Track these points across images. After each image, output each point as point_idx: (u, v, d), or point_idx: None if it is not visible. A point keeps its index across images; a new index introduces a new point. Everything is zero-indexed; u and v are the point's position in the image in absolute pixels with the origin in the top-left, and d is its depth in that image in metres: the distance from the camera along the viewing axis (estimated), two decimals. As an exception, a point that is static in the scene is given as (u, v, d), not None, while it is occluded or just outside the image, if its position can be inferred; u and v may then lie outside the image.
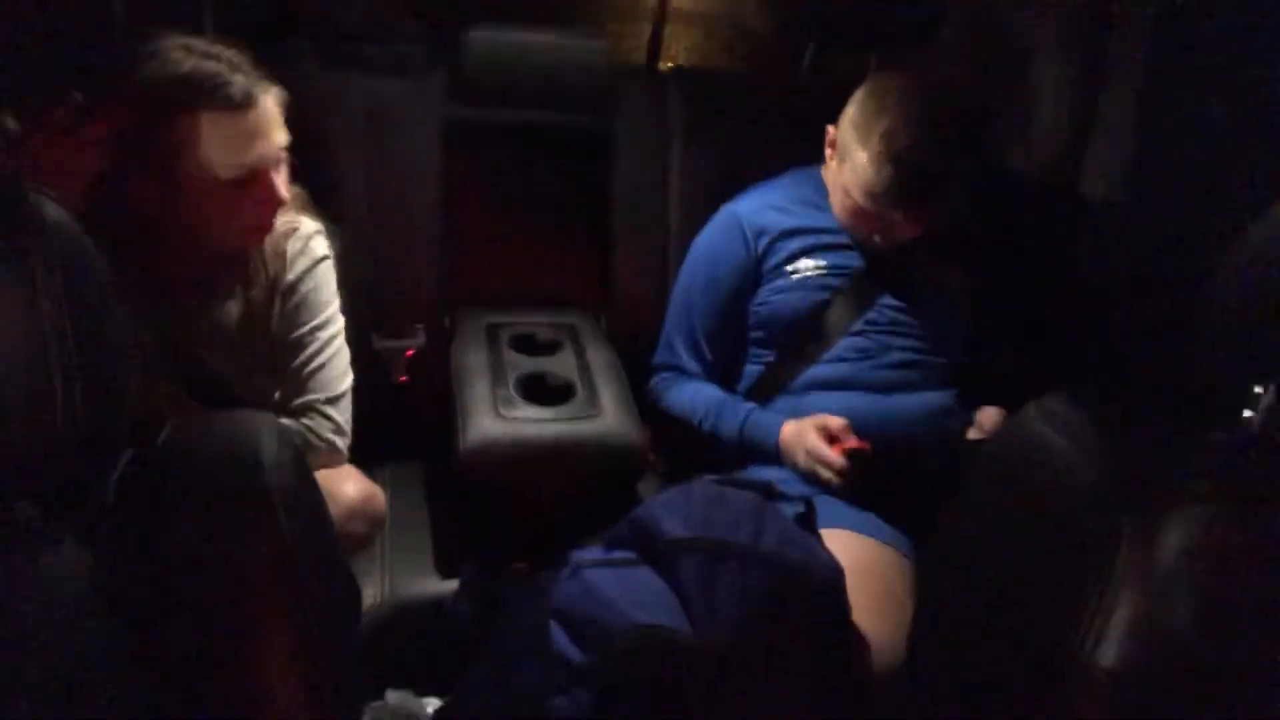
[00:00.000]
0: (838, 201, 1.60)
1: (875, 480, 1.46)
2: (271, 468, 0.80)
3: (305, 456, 0.88)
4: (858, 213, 1.56)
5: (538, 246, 1.80)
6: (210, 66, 1.15)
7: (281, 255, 1.33)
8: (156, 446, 0.81)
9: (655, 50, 1.91)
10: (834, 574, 1.19)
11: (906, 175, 1.47)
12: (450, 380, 1.57)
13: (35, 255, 0.67)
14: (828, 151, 1.62)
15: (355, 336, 1.47)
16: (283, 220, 1.33)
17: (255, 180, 1.19)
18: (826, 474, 1.46)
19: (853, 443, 1.46)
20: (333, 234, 1.41)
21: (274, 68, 1.25)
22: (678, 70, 1.81)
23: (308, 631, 0.78)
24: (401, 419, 1.67)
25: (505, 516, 1.51)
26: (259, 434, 0.81)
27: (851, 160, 1.52)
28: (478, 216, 1.76)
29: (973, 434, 1.56)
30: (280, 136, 1.22)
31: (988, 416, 1.58)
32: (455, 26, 1.67)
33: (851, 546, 1.35)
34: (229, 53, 1.18)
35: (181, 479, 0.78)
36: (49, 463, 0.70)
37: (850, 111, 1.54)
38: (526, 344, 1.66)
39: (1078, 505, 0.78)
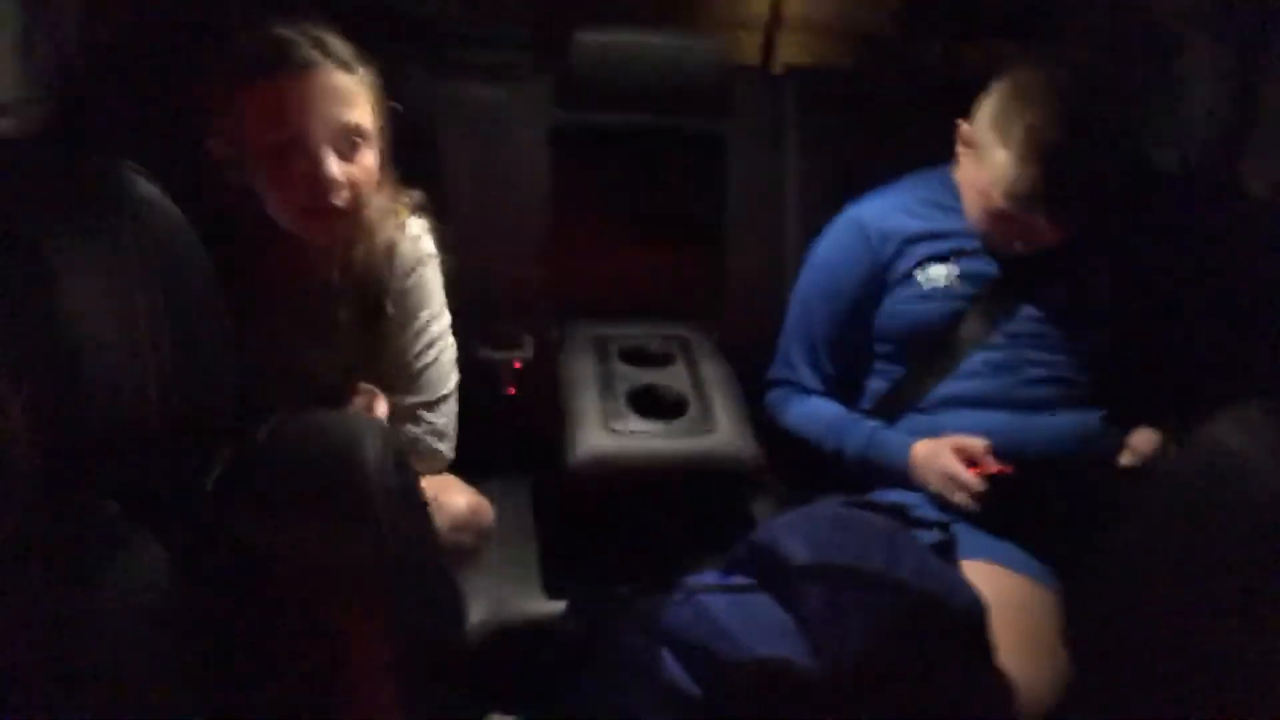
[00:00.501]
0: (972, 204, 1.48)
1: (1018, 508, 1.34)
2: (375, 471, 0.75)
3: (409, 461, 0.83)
4: (996, 216, 1.44)
5: (649, 255, 1.73)
6: (272, 38, 1.15)
7: (390, 253, 1.31)
8: (257, 445, 0.77)
9: (769, 51, 1.84)
10: (976, 608, 1.08)
11: (1053, 175, 1.35)
12: (558, 392, 1.52)
13: (126, 234, 0.63)
14: (960, 150, 1.50)
15: (463, 347, 1.44)
16: (393, 218, 1.31)
17: (299, 153, 1.15)
18: (964, 499, 1.34)
19: (994, 467, 1.34)
20: (443, 241, 1.39)
21: (383, 74, 1.23)
22: (793, 70, 1.73)
23: (405, 642, 0.73)
24: (509, 432, 1.63)
25: (614, 535, 1.44)
26: (363, 436, 0.77)
27: (990, 159, 1.41)
28: (587, 224, 1.71)
29: (1126, 459, 1.41)
30: (342, 112, 1.17)
31: (1143, 440, 1.43)
32: (564, 29, 1.62)
33: (994, 580, 1.23)
34: (307, 29, 1.17)
35: (283, 480, 0.74)
36: (139, 458, 0.67)
37: (989, 106, 1.43)
38: (637, 356, 1.60)
39: None
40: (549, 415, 1.53)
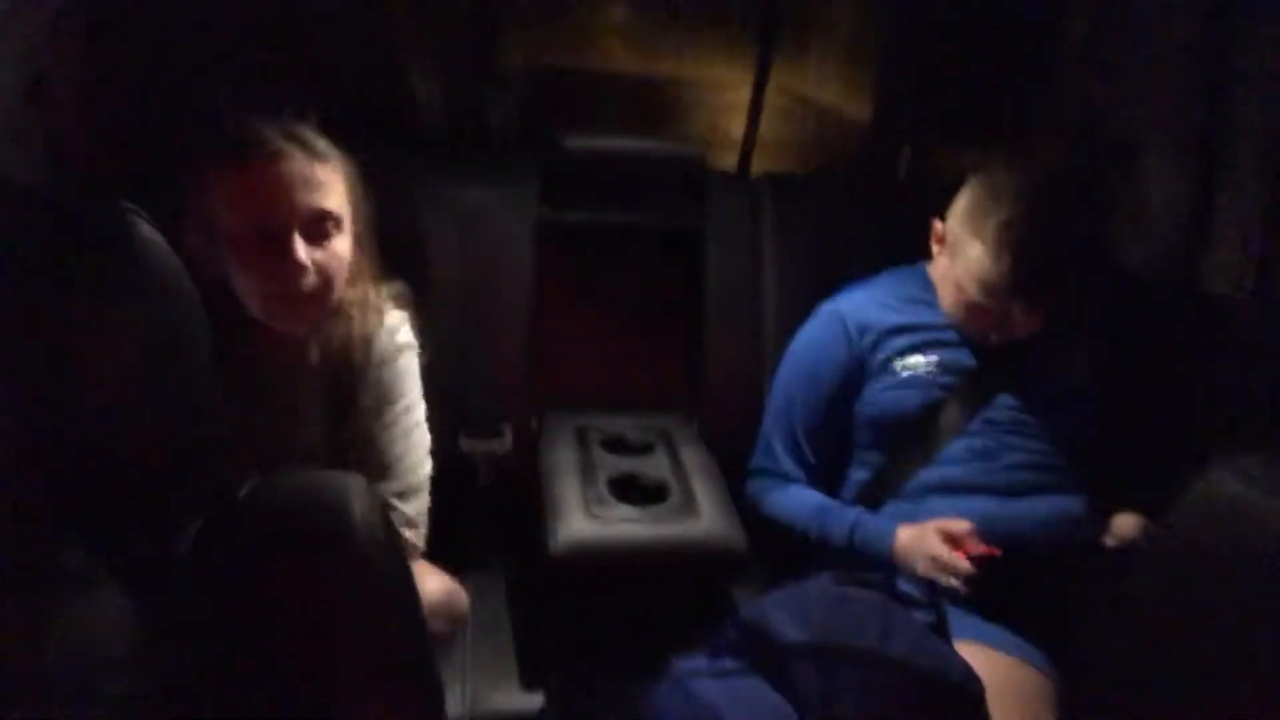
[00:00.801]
0: (949, 298, 1.52)
1: (1005, 590, 1.32)
2: (363, 524, 0.73)
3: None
4: (973, 308, 1.47)
5: (629, 349, 1.75)
6: (242, 127, 1.17)
7: (368, 342, 1.31)
8: (240, 501, 0.74)
9: (747, 159, 1.91)
10: (974, 685, 1.05)
11: (1026, 265, 1.39)
12: (538, 480, 1.50)
13: (122, 273, 0.63)
14: (935, 248, 1.55)
15: (442, 438, 1.43)
16: (371, 309, 1.31)
17: (268, 239, 1.15)
18: (951, 581, 1.33)
19: (979, 548, 1.33)
20: (425, 332, 1.39)
21: (371, 173, 1.26)
22: (768, 176, 1.79)
23: (394, 691, 0.69)
24: (487, 523, 1.60)
25: (595, 624, 1.40)
26: (349, 490, 0.75)
27: (965, 253, 1.45)
28: (568, 318, 1.72)
29: (1109, 542, 1.40)
30: (312, 198, 1.18)
31: (1125, 524, 1.43)
32: (550, 132, 1.68)
33: (987, 662, 1.19)
34: (278, 120, 1.19)
35: (270, 532, 0.71)
36: (125, 500, 0.64)
37: (962, 203, 1.48)
38: (617, 445, 1.59)
39: None
40: (528, 505, 1.50)
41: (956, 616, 1.29)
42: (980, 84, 1.80)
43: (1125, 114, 1.69)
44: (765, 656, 1.08)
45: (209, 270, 1.16)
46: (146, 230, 0.66)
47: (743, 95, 1.92)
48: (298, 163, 1.17)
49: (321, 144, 1.21)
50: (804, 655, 1.04)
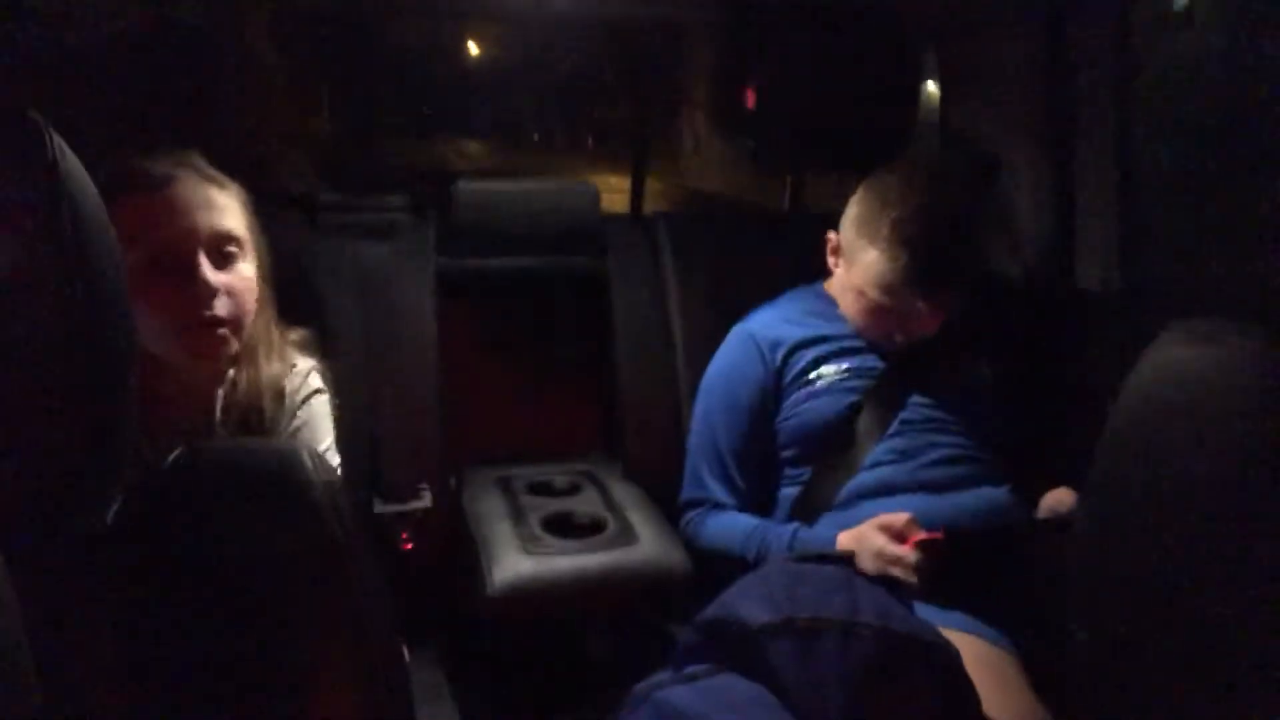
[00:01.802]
0: (851, 305, 1.56)
1: (954, 574, 1.31)
2: (318, 482, 0.67)
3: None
4: (875, 312, 1.51)
5: (543, 395, 1.72)
6: (130, 163, 1.13)
7: (279, 392, 1.24)
8: (168, 472, 0.67)
9: (638, 199, 1.95)
10: (949, 646, 1.02)
11: (923, 259, 1.44)
12: (466, 532, 1.42)
13: (45, 194, 0.57)
14: (831, 260, 1.60)
15: (355, 504, 1.33)
16: (278, 353, 1.25)
17: (171, 266, 1.11)
18: (901, 572, 1.31)
19: (923, 534, 1.32)
20: (332, 392, 1.33)
21: (267, 236, 1.24)
22: (661, 214, 1.83)
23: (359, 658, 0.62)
24: (413, 591, 1.49)
25: (541, 676, 1.31)
26: (299, 452, 0.69)
27: (862, 259, 1.50)
28: (477, 370, 1.68)
29: (1043, 513, 1.43)
30: (211, 219, 1.14)
31: (1055, 498, 1.46)
32: (443, 181, 1.68)
33: (955, 644, 1.18)
34: (179, 151, 1.17)
35: (214, 491, 0.64)
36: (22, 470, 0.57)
37: (852, 211, 1.54)
38: (544, 489, 1.54)
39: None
40: (455, 566, 1.42)
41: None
42: (846, 120, 1.91)
43: (983, 132, 1.82)
44: (735, 648, 1.03)
45: None
46: (73, 162, 0.61)
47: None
48: (194, 185, 1.14)
49: (215, 171, 1.18)
50: (777, 635, 1.00)
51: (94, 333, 0.59)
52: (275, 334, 1.26)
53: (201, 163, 1.18)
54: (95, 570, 0.63)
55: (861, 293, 1.51)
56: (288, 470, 0.66)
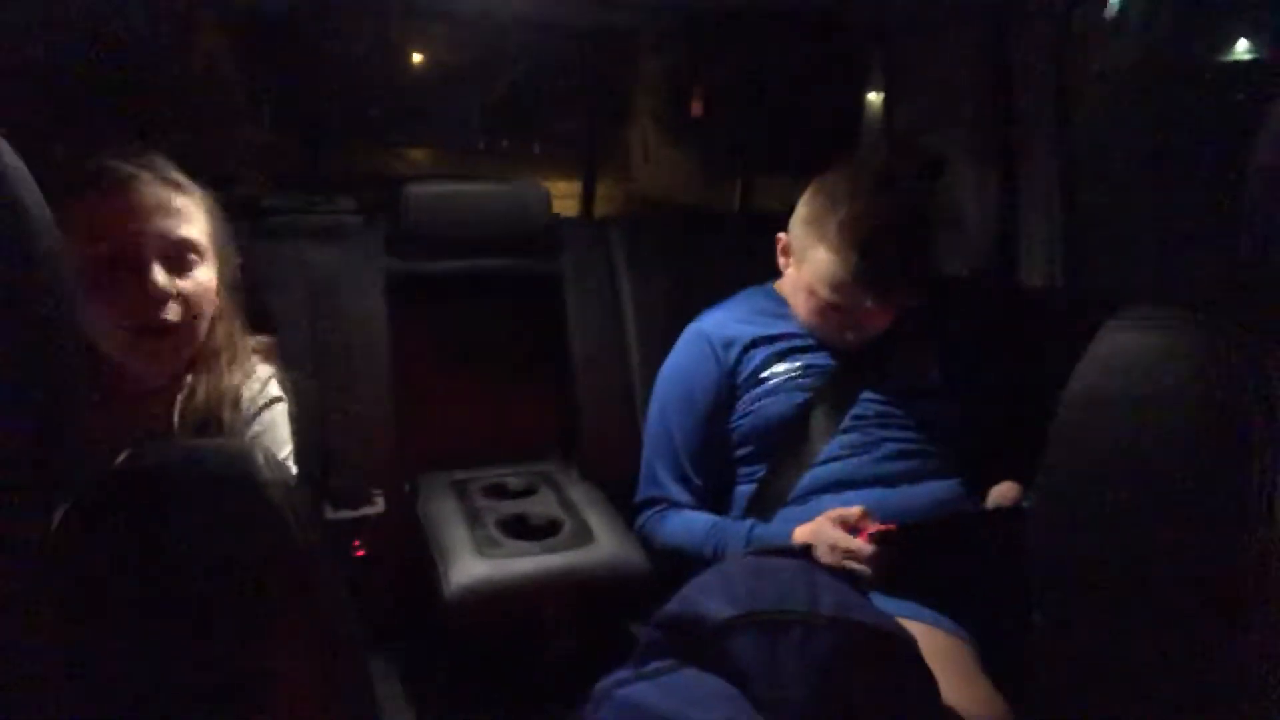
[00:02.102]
0: (802, 305, 1.57)
1: (909, 564, 1.33)
2: (270, 478, 0.65)
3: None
4: (825, 311, 1.53)
5: (497, 398, 1.70)
6: (95, 161, 1.11)
7: (237, 399, 1.21)
8: (118, 473, 0.65)
9: (589, 202, 1.95)
10: (907, 636, 1.03)
11: (871, 258, 1.46)
12: (421, 536, 1.40)
13: None
14: (782, 261, 1.61)
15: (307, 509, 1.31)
16: (237, 358, 1.22)
17: (125, 267, 1.09)
18: (857, 565, 1.32)
19: (876, 526, 1.34)
20: (289, 395, 1.31)
21: None
22: (613, 218, 1.83)
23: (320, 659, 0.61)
24: (367, 600, 1.47)
25: (500, 678, 1.30)
26: (251, 452, 0.67)
27: (812, 258, 1.51)
28: (430, 374, 1.67)
29: (994, 499, 1.45)
30: (170, 225, 1.12)
31: (1002, 491, 1.48)
32: (389, 186, 1.66)
33: (913, 634, 1.19)
34: (132, 152, 1.14)
35: (167, 491, 0.62)
36: None
37: (801, 211, 1.55)
38: (499, 492, 1.52)
39: (1227, 400, 0.69)
40: (409, 576, 1.40)
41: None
42: (793, 122, 1.93)
43: (927, 132, 1.85)
44: (697, 643, 1.03)
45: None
46: (5, 149, 0.59)
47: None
48: (153, 188, 1.11)
49: (178, 174, 1.16)
50: (739, 629, 1.00)
51: (38, 333, 0.57)
52: (238, 342, 1.23)
53: (165, 165, 1.15)
54: (42, 575, 0.61)
55: (812, 292, 1.52)
56: (240, 471, 0.64)
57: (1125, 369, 0.76)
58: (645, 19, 1.89)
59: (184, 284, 1.12)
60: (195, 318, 1.14)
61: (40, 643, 0.58)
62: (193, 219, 1.15)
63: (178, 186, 1.15)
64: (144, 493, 0.63)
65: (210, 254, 1.17)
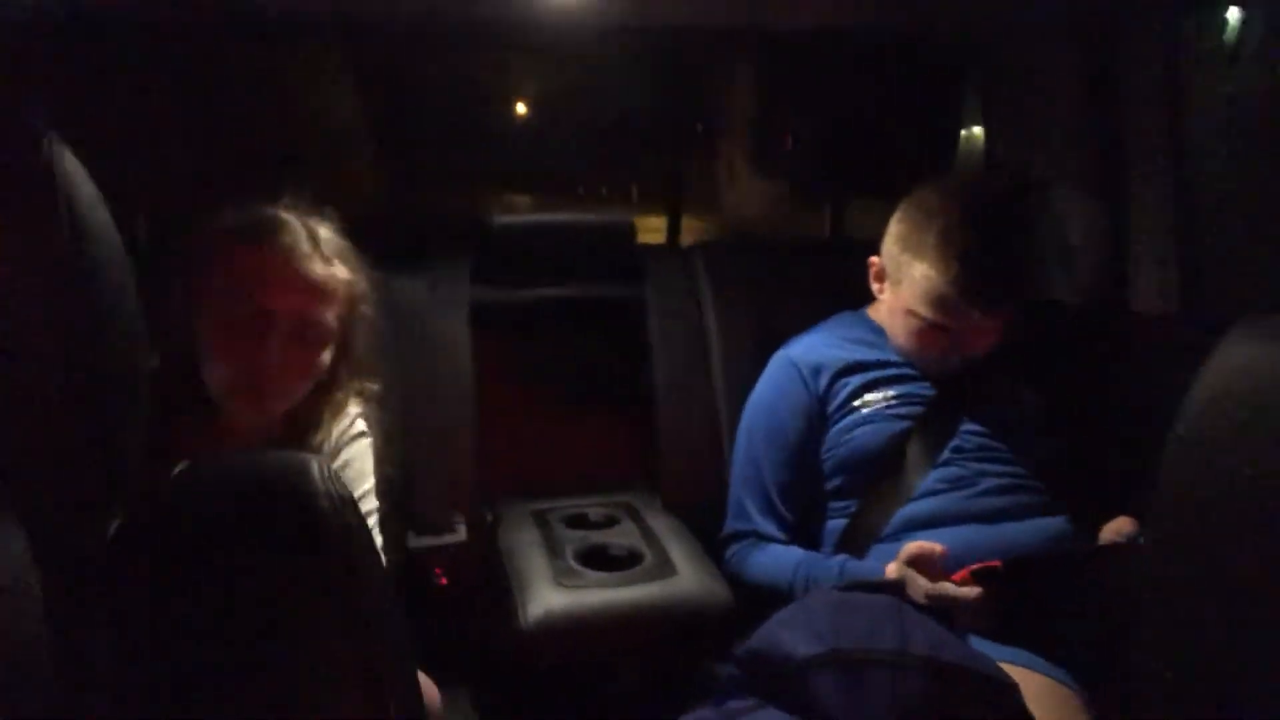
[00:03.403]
0: (900, 329, 1.50)
1: (1013, 606, 1.24)
2: (326, 501, 0.63)
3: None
4: (928, 333, 1.45)
5: (580, 427, 1.68)
6: (268, 214, 1.15)
7: (328, 432, 1.23)
8: (173, 488, 0.64)
9: (675, 231, 1.93)
10: (1006, 678, 0.95)
11: (975, 265, 1.38)
12: (499, 566, 1.38)
13: (46, 207, 0.56)
14: (875, 286, 1.55)
15: (391, 537, 1.32)
16: (334, 413, 1.24)
17: (251, 329, 1.10)
18: (956, 605, 1.23)
19: (973, 565, 1.25)
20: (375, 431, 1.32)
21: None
22: (698, 243, 1.80)
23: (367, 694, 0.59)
24: (447, 627, 1.45)
25: (574, 706, 1.26)
26: (308, 465, 0.66)
27: (910, 277, 1.44)
28: (513, 401, 1.66)
29: (1107, 538, 1.35)
30: (306, 302, 1.13)
31: (1116, 527, 1.37)
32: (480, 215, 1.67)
33: (1014, 679, 1.10)
34: (304, 217, 1.17)
35: (218, 513, 0.61)
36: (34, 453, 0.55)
37: (894, 230, 1.49)
38: (580, 522, 1.49)
39: None
40: (489, 606, 1.38)
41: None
42: (885, 148, 1.87)
43: (1028, 159, 1.77)
44: (778, 682, 0.98)
45: (178, 348, 1.11)
46: (72, 163, 0.60)
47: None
48: (310, 262, 1.13)
49: (337, 250, 1.18)
50: (822, 667, 0.94)
51: (92, 338, 0.57)
52: (344, 405, 1.25)
53: (331, 239, 1.18)
54: (99, 584, 0.61)
55: (911, 312, 1.45)
56: (293, 478, 0.63)
57: (1248, 383, 0.69)
58: (724, 47, 1.88)
59: (296, 362, 1.14)
60: (296, 387, 1.16)
61: (99, 650, 0.58)
62: (331, 300, 1.16)
63: (330, 263, 1.16)
64: (197, 502, 0.63)
65: (332, 335, 1.18)
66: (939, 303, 1.41)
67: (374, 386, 1.31)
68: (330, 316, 1.16)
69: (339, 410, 1.25)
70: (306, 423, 1.21)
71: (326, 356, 1.19)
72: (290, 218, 1.16)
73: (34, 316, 0.56)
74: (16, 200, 0.57)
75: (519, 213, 2.23)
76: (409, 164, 2.07)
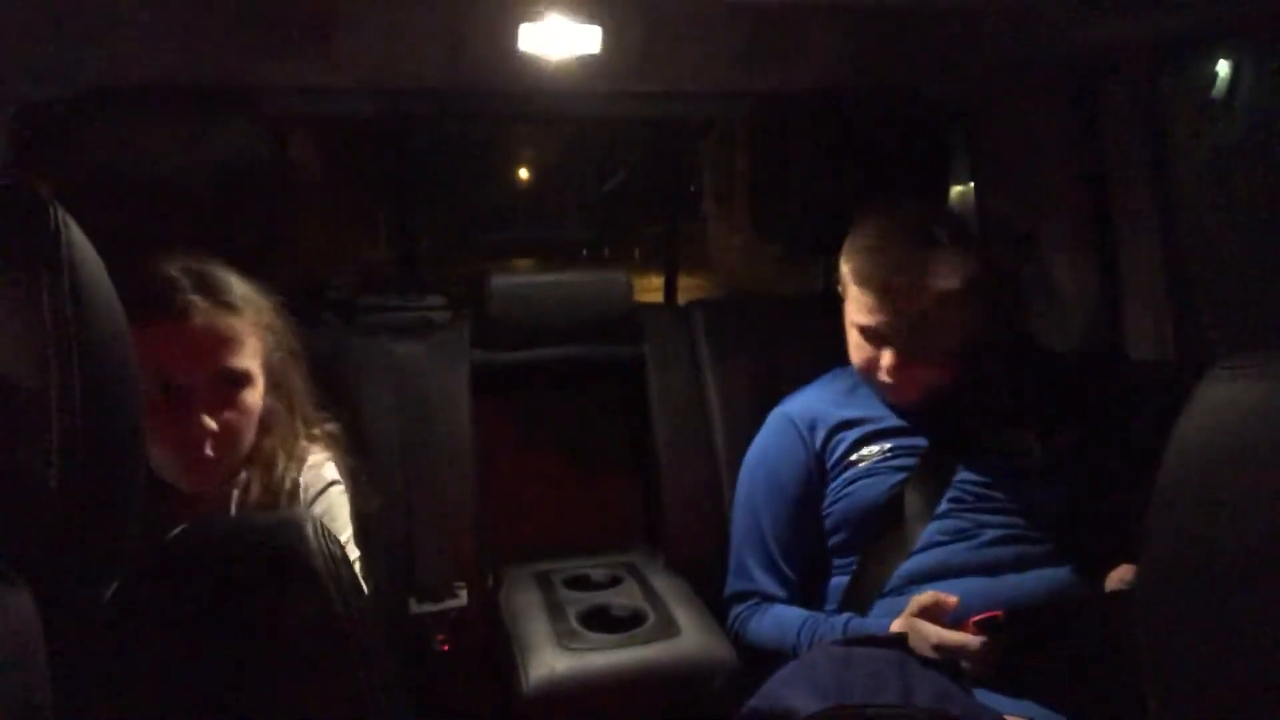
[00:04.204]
0: (852, 350, 1.51)
1: (1018, 658, 1.22)
2: (321, 558, 0.64)
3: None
4: (863, 346, 1.48)
5: (580, 486, 1.68)
6: (152, 278, 1.12)
7: (294, 489, 1.22)
8: (168, 548, 0.65)
9: (672, 286, 1.95)
10: (1014, 733, 0.94)
11: (878, 255, 1.42)
12: (501, 629, 1.37)
13: (42, 266, 0.58)
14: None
15: (391, 603, 1.32)
16: (291, 452, 1.24)
17: (173, 402, 1.10)
18: (969, 663, 1.21)
19: (977, 615, 1.24)
20: (366, 489, 1.32)
21: (302, 337, 1.26)
22: (696, 301, 1.82)
23: None
24: (448, 692, 1.44)
25: None
26: (303, 523, 0.66)
27: (848, 291, 1.49)
28: (515, 462, 1.66)
29: (1113, 585, 1.34)
30: (220, 357, 1.13)
31: (1119, 574, 1.36)
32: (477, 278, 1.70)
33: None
34: (192, 266, 1.15)
35: (219, 569, 0.62)
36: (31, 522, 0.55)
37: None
38: (583, 583, 1.49)
39: None
40: (491, 671, 1.37)
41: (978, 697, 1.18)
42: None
43: (1018, 206, 1.79)
44: (782, 740, 0.96)
45: None
46: (77, 235, 0.61)
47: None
48: (209, 318, 1.13)
49: (236, 293, 1.17)
50: (825, 724, 0.93)
51: (96, 403, 0.58)
52: (296, 441, 1.25)
53: (225, 283, 1.16)
54: (95, 646, 0.61)
55: (851, 324, 1.49)
56: (287, 539, 0.64)
57: (1230, 421, 0.69)
58: (718, 109, 1.92)
59: (228, 415, 1.13)
60: (234, 444, 1.16)
61: (96, 709, 0.58)
62: (244, 344, 1.16)
63: (231, 309, 1.15)
64: (193, 564, 0.63)
65: (258, 374, 1.18)
66: (854, 300, 1.46)
67: (330, 427, 1.31)
68: (247, 361, 1.16)
69: (294, 446, 1.24)
70: (265, 464, 1.20)
71: (257, 397, 1.18)
72: (176, 274, 1.13)
73: (39, 382, 0.57)
74: (21, 267, 0.58)
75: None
76: (405, 234, 2.08)
